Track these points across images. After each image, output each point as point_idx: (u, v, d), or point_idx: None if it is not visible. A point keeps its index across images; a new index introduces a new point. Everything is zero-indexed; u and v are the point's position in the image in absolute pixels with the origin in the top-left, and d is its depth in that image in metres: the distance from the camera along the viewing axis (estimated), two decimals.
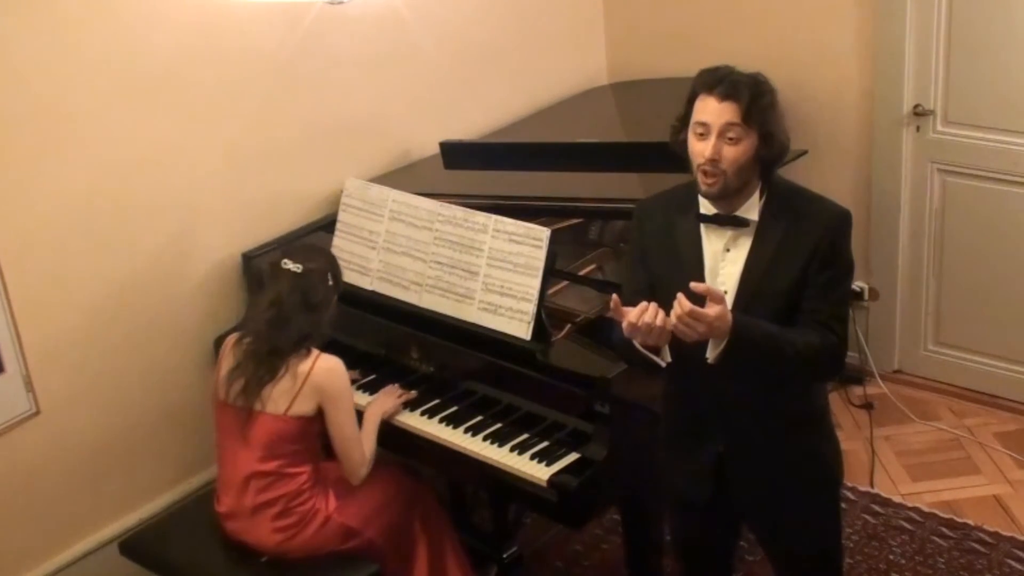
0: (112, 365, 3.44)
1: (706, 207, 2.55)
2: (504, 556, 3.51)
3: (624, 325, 2.42)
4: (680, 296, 2.36)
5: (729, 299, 2.48)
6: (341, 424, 3.09)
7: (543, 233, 3.15)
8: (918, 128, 4.30)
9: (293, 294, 3.04)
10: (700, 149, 2.46)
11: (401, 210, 3.43)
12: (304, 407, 3.05)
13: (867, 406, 4.46)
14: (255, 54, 3.61)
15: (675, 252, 2.58)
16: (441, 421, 3.24)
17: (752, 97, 2.44)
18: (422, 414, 3.27)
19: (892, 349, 4.61)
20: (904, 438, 4.33)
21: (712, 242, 2.55)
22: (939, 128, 4.26)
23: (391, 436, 3.28)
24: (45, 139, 3.17)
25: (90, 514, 3.49)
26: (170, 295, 3.54)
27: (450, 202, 3.40)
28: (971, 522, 3.83)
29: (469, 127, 4.31)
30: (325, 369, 3.06)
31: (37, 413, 3.29)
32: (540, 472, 2.99)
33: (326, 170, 3.88)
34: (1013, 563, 3.64)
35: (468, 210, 3.31)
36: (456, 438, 3.17)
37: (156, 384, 3.55)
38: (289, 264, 3.07)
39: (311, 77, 3.79)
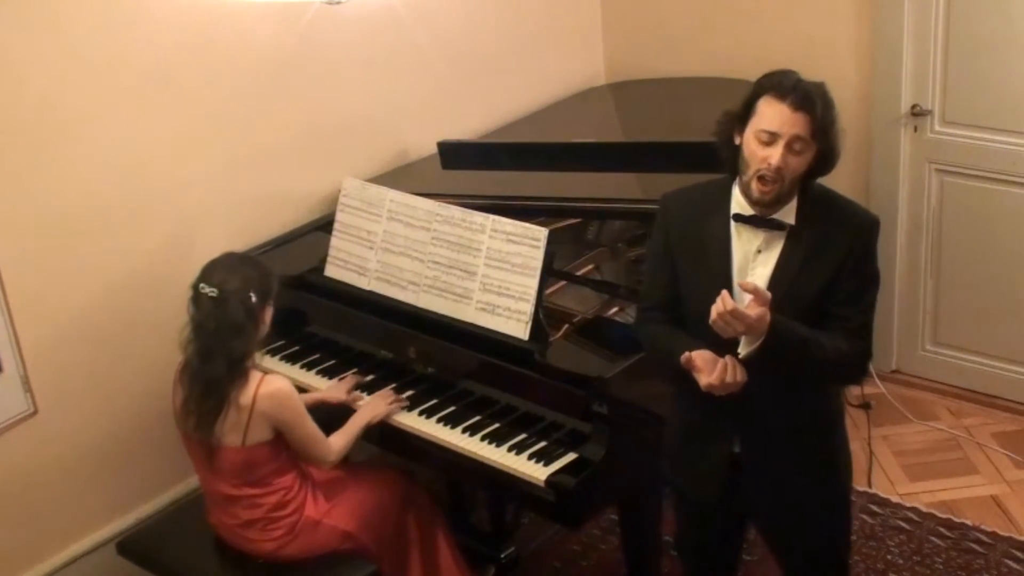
0: (110, 365, 3.44)
1: (743, 207, 2.53)
2: (502, 556, 3.50)
3: (703, 383, 2.44)
4: (724, 293, 2.36)
5: (745, 303, 2.43)
6: (297, 439, 3.03)
7: (541, 233, 3.15)
8: (916, 128, 4.30)
9: (211, 321, 2.89)
10: (764, 156, 2.43)
11: (399, 210, 3.43)
12: (259, 434, 2.97)
13: (865, 406, 4.45)
14: (252, 54, 3.61)
15: (703, 251, 2.56)
16: (439, 421, 3.23)
17: (824, 110, 2.43)
18: (420, 414, 3.27)
19: (890, 349, 4.61)
20: (902, 438, 4.33)
21: (744, 243, 2.54)
22: (937, 128, 4.26)
23: (389, 436, 3.27)
24: (42, 139, 3.17)
25: (88, 514, 3.49)
26: (168, 295, 3.53)
27: (448, 202, 3.39)
28: (969, 522, 3.84)
29: (467, 127, 4.31)
30: (267, 396, 2.94)
31: (35, 413, 3.29)
32: (538, 472, 2.99)
33: (324, 170, 3.87)
34: (1011, 563, 3.64)
35: (466, 210, 3.30)
36: (454, 438, 3.17)
37: (154, 384, 3.54)
38: (206, 288, 2.90)
39: (309, 77, 3.79)
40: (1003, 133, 4.10)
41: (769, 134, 2.42)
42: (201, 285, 2.93)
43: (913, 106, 4.25)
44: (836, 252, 2.50)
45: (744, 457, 2.63)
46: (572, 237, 3.77)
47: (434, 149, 3.84)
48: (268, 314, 3.01)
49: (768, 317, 2.37)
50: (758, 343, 2.40)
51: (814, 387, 2.61)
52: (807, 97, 2.42)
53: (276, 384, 2.98)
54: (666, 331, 2.62)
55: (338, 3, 3.54)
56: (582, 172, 3.69)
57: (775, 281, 2.50)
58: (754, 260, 2.53)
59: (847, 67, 4.33)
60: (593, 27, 4.88)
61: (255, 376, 2.96)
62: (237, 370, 2.92)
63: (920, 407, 4.48)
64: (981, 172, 4.20)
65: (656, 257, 2.68)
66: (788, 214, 2.52)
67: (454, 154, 3.80)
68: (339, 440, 3.13)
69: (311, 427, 3.05)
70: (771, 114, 2.43)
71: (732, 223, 2.54)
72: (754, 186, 2.46)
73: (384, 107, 4.06)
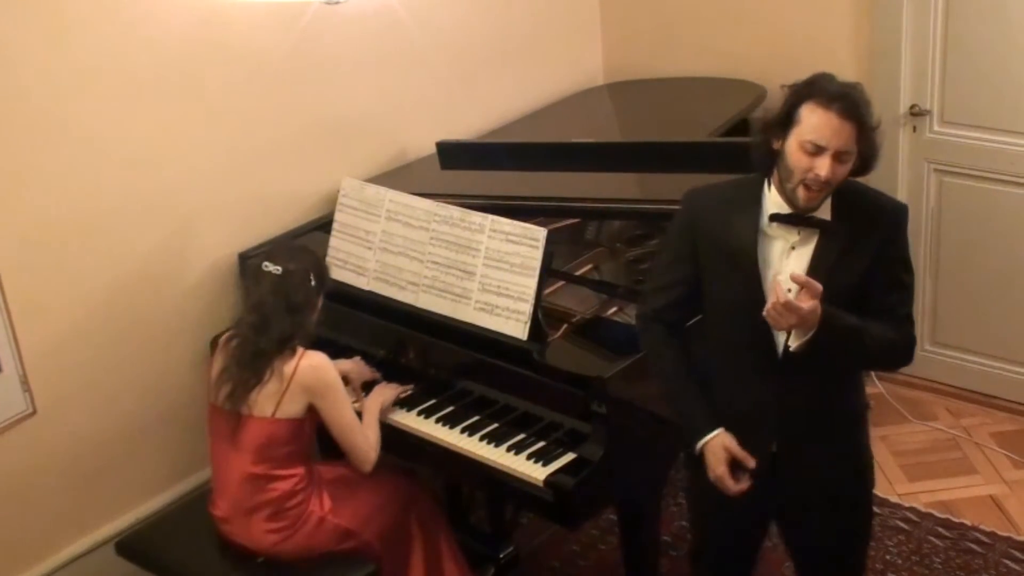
0: (109, 365, 3.44)
1: (779, 206, 2.51)
2: (501, 556, 3.50)
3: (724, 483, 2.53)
4: (778, 285, 2.38)
5: (793, 296, 2.41)
6: (337, 416, 3.09)
7: (540, 233, 3.15)
8: (914, 128, 4.30)
9: (273, 296, 3.02)
10: (808, 165, 2.40)
11: (398, 210, 3.43)
12: (292, 408, 3.03)
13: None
14: (251, 54, 3.60)
15: (733, 250, 2.54)
16: (438, 421, 3.23)
17: (868, 116, 2.42)
18: (419, 414, 3.27)
19: None
20: (901, 438, 4.33)
21: (778, 240, 2.53)
22: (935, 128, 4.27)
23: (388, 436, 3.27)
24: (41, 139, 3.17)
25: (86, 514, 3.49)
26: (167, 295, 3.54)
27: (447, 202, 3.39)
28: (968, 522, 3.84)
29: (466, 127, 4.31)
30: (310, 367, 3.04)
31: (34, 413, 3.29)
32: (537, 472, 2.99)
33: (323, 170, 3.87)
34: (1009, 563, 3.64)
35: (465, 210, 3.31)
36: (453, 438, 3.17)
37: (153, 384, 3.55)
38: (270, 267, 3.05)
39: (308, 77, 3.79)
40: (1002, 133, 4.11)
41: (816, 146, 2.40)
42: (265, 264, 3.08)
43: (912, 106, 4.25)
44: (870, 243, 2.50)
45: (780, 458, 2.61)
46: (571, 237, 3.77)
47: (433, 149, 3.85)
48: (320, 302, 3.12)
49: (820, 310, 2.37)
50: (809, 335, 2.40)
51: (849, 382, 2.62)
52: (854, 105, 2.40)
53: (318, 358, 3.08)
54: (684, 384, 2.65)
55: (337, 3, 3.54)
56: (581, 172, 3.69)
57: (812, 276, 2.47)
58: (787, 256, 2.52)
59: (846, 67, 4.32)
60: (592, 27, 4.88)
61: (299, 351, 3.06)
62: (285, 346, 3.03)
63: (919, 407, 4.48)
64: (980, 172, 4.20)
65: (675, 254, 2.65)
66: (824, 211, 2.51)
67: (453, 154, 3.81)
68: (370, 433, 3.17)
69: (349, 410, 3.11)
70: (818, 124, 2.40)
71: (765, 221, 2.53)
72: (801, 193, 2.44)
73: (383, 107, 4.06)
